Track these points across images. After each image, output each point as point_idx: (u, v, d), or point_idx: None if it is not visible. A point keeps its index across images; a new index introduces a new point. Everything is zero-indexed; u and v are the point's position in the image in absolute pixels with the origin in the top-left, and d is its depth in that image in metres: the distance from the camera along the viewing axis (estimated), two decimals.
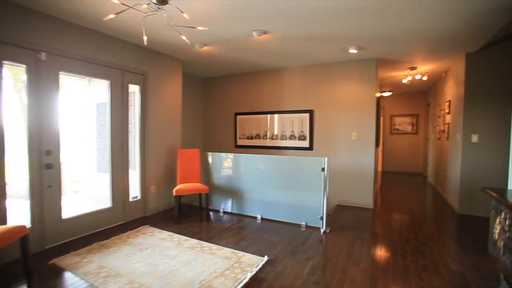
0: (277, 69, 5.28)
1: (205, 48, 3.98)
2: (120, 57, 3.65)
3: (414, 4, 2.63)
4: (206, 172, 4.51)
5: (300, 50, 4.14)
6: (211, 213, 4.29)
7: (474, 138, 4.14)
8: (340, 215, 4.19)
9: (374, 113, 4.52)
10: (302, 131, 5.05)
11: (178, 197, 3.88)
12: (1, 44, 2.53)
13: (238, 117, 5.73)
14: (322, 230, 3.45)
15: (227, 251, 2.88)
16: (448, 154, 5.13)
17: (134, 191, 4.04)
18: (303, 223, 3.65)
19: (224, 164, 4.47)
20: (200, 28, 2.71)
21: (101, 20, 3.00)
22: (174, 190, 3.77)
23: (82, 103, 4.16)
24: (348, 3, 2.63)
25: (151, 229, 3.52)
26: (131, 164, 4.00)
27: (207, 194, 4.00)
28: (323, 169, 3.45)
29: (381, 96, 7.82)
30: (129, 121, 3.90)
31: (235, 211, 4.26)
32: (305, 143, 5.02)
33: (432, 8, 2.71)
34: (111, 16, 2.36)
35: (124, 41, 3.68)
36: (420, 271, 2.50)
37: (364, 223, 3.81)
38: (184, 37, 2.81)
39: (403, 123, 8.55)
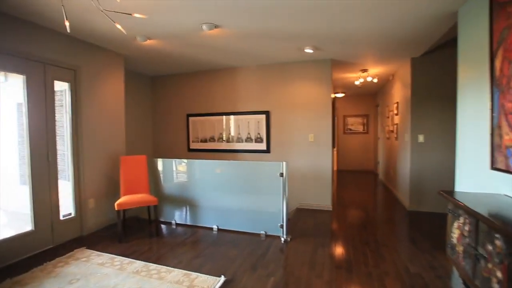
0: (231, 68, 5.00)
1: (149, 41, 3.53)
2: (41, 47, 3.03)
3: (366, 7, 2.57)
4: (155, 181, 4.05)
5: (256, 49, 3.93)
6: (162, 225, 3.85)
7: (420, 138, 4.35)
8: (300, 219, 4.07)
9: (330, 114, 4.51)
10: (258, 133, 4.85)
11: (122, 212, 3.39)
12: None
13: (191, 118, 5.32)
14: (282, 239, 3.27)
15: (178, 273, 2.52)
16: (397, 153, 5.38)
17: (68, 207, 3.43)
18: (262, 232, 3.43)
19: (176, 171, 4.06)
20: (137, 15, 2.30)
21: None
22: (115, 204, 3.26)
23: None
24: (310, 1, 2.47)
25: (88, 252, 2.99)
26: (64, 175, 3.39)
27: (156, 206, 3.56)
28: (281, 175, 3.27)
29: (335, 97, 8.03)
30: (59, 125, 3.29)
31: (189, 223, 3.88)
32: (262, 146, 4.83)
33: (381, 12, 2.69)
34: None
35: (46, 28, 3.06)
36: (382, 277, 2.44)
37: (325, 227, 3.74)
38: (119, 26, 2.37)
39: (355, 123, 8.91)
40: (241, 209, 3.61)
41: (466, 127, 2.54)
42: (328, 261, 2.76)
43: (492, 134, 2.03)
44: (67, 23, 2.11)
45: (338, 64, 4.72)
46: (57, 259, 2.83)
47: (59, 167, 3.28)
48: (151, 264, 2.70)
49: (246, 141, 4.94)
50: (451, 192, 2.09)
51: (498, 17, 1.98)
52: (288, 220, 3.38)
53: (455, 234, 1.91)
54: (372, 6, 2.60)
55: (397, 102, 5.35)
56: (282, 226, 3.32)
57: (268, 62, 4.68)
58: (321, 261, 2.75)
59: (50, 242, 3.15)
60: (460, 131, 2.65)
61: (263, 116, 4.81)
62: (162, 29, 3.15)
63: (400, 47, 3.88)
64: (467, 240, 1.73)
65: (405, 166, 4.69)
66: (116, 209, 3.26)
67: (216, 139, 5.17)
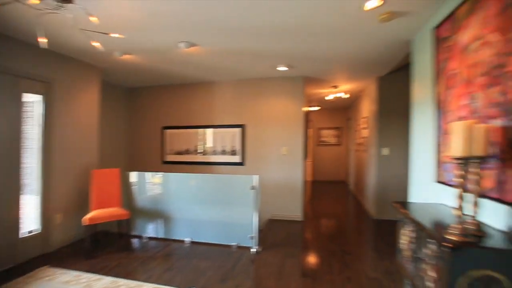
0: (208, 83, 5.12)
1: (126, 56, 3.59)
2: (13, 60, 3.00)
3: (335, 34, 2.81)
4: (127, 194, 4.02)
5: (231, 65, 4.09)
6: (133, 240, 3.81)
7: (385, 151, 4.66)
8: (271, 230, 4.19)
9: (302, 128, 4.72)
10: (233, 146, 4.96)
11: (92, 226, 3.33)
12: None
13: (166, 131, 5.35)
14: (253, 250, 3.36)
15: (148, 287, 2.53)
16: (365, 165, 5.69)
17: (33, 222, 3.32)
18: (234, 243, 3.50)
19: (150, 184, 4.06)
20: (114, 35, 2.38)
21: None
22: (85, 219, 3.21)
23: None
24: (279, 24, 2.66)
25: (52, 270, 2.90)
26: (30, 189, 3.29)
27: (128, 220, 3.54)
28: (253, 187, 3.39)
29: (309, 110, 8.35)
30: (28, 137, 3.22)
31: (161, 236, 3.87)
32: (237, 158, 4.94)
33: (345, 37, 2.94)
34: None
35: (19, 41, 3.03)
36: (344, 283, 2.59)
37: (294, 238, 3.87)
38: (95, 44, 2.44)
39: (329, 135, 9.28)
40: (214, 221, 3.67)
41: (417, 144, 2.80)
42: (295, 271, 2.88)
43: (437, 152, 2.28)
44: (43, 40, 2.14)
45: (311, 80, 4.99)
46: (15, 279, 2.70)
47: (25, 181, 3.20)
48: (120, 279, 2.68)
49: (221, 153, 5.03)
50: (402, 203, 2.30)
51: (439, 50, 2.26)
52: (259, 231, 3.48)
53: (403, 240, 2.10)
54: (336, 32, 2.85)
55: (366, 117, 5.69)
56: (252, 238, 3.42)
57: (244, 77, 4.86)
58: (288, 271, 2.86)
59: (10, 261, 3.01)
60: (412, 147, 2.91)
61: (239, 130, 4.94)
62: (139, 46, 3.23)
63: (366, 67, 4.19)
64: (412, 245, 1.92)
65: (371, 177, 4.97)
66: (85, 223, 3.20)
67: (191, 151, 5.21)
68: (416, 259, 1.81)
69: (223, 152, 5.02)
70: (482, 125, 1.42)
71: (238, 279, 2.69)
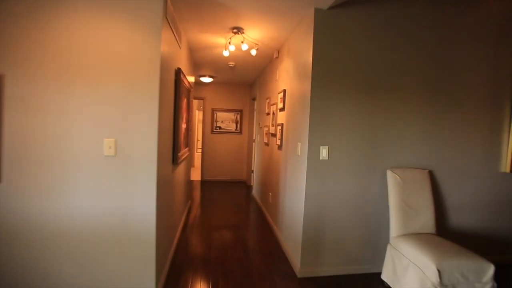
0: None
1: None
2: None
3: None
4: None
5: None
6: None
7: (324, 153, 2.50)
8: None
9: (157, 91, 2.00)
10: None
11: None
12: None
13: None
14: None
15: None
16: (280, 171, 3.48)
17: None
18: None
19: None
20: None
21: None
22: None
23: None
24: None
25: None
26: None
27: None
28: None
29: (200, 81, 5.69)
30: None
31: None
32: None
33: None
34: None
35: None
36: None
37: None
38: None
39: (227, 120, 6.86)
40: None
41: None
42: None
43: None
44: None
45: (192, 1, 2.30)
46: None
47: None
48: None
49: None
50: None
51: None
52: None
53: None
54: None
55: (284, 90, 3.44)
56: None
57: None
58: None
59: None
60: None
61: None
62: None
63: None
64: None
65: (297, 199, 2.76)
66: None
67: None
68: None
69: None
70: None
71: None
